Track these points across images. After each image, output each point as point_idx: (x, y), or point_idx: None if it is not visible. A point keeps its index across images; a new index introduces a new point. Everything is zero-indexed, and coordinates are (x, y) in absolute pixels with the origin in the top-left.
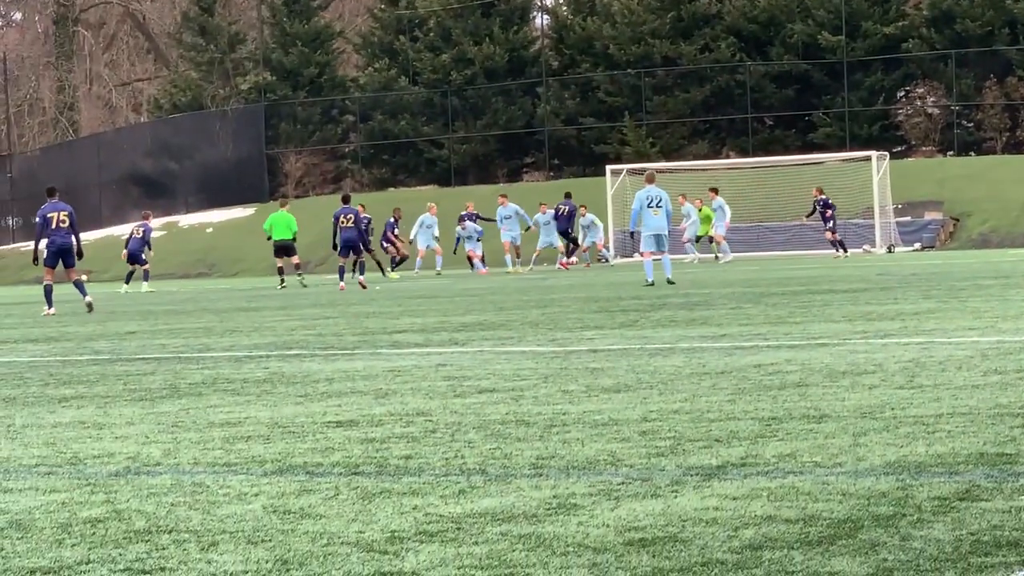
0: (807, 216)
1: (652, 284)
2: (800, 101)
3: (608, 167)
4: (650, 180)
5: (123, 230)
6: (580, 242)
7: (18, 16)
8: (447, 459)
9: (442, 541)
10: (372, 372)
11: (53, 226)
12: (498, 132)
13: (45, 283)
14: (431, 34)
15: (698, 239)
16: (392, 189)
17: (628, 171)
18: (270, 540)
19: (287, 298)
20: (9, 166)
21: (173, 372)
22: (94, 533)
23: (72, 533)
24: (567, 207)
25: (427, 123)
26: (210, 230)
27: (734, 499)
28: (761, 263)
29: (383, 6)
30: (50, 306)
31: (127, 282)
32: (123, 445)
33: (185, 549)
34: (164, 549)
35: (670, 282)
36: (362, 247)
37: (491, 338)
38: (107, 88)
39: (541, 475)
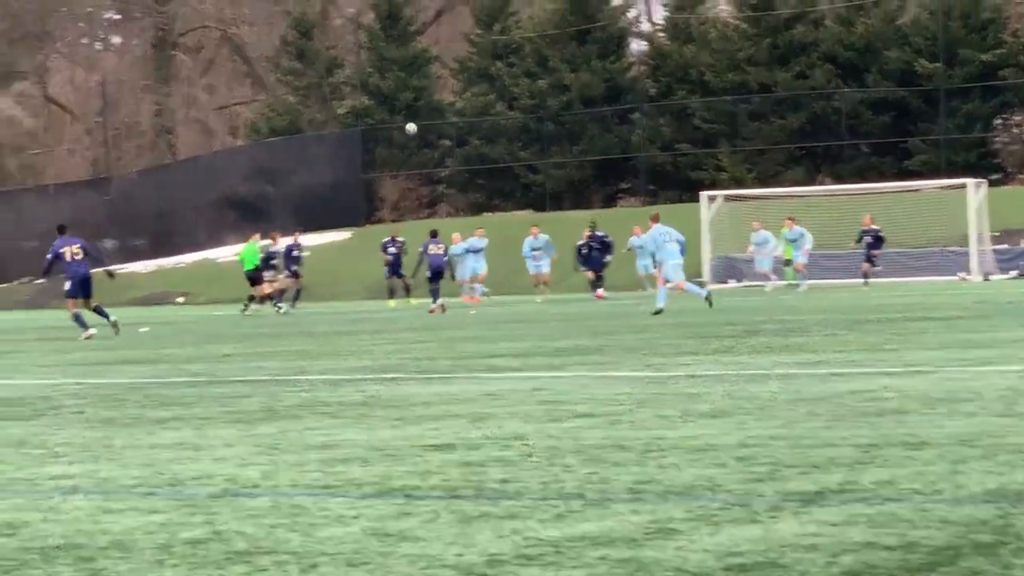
0: (855, 242)
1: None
2: (896, 128)
3: (703, 193)
4: (655, 220)
5: (219, 253)
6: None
7: (118, 40)
8: (545, 483)
9: (541, 565)
10: (469, 396)
11: (68, 259)
12: (594, 158)
13: (73, 312)
14: (528, 60)
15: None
16: (487, 214)
17: (724, 197)
18: (370, 563)
19: (383, 322)
20: (108, 189)
21: (270, 394)
22: (194, 554)
23: (173, 554)
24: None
25: (523, 148)
26: (306, 253)
27: (833, 525)
28: (856, 290)
29: (479, 31)
30: (86, 328)
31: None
32: (221, 467)
33: (285, 571)
34: (265, 571)
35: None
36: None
37: (587, 363)
38: (204, 112)
39: (639, 499)
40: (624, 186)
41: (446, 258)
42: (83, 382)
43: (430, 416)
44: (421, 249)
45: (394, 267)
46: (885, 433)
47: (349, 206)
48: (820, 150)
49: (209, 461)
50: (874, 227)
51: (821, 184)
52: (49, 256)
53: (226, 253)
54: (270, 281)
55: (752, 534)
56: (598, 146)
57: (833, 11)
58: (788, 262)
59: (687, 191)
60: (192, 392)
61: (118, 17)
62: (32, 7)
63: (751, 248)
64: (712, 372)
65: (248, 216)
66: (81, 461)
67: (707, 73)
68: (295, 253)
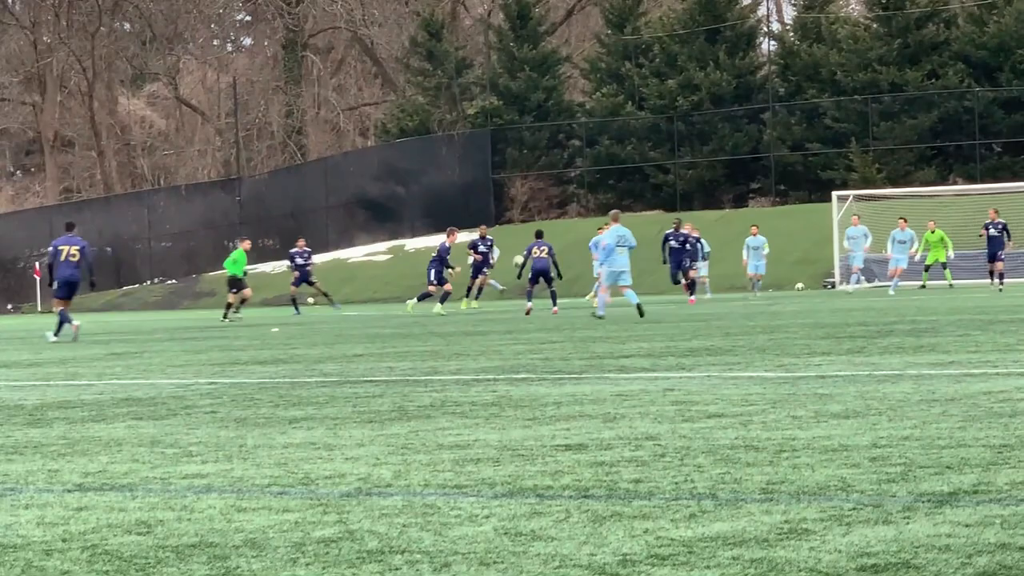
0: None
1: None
2: None
3: (834, 193)
4: (616, 219)
5: (349, 254)
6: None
7: (248, 41)
8: (677, 483)
9: (674, 564)
10: (600, 396)
11: (62, 258)
12: (724, 157)
13: (59, 311)
14: (657, 60)
15: (927, 268)
16: (482, 226)
17: (854, 197)
18: (502, 562)
19: (513, 322)
20: (238, 189)
21: (401, 395)
22: (327, 553)
23: (306, 552)
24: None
25: (653, 148)
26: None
27: (967, 526)
28: (988, 291)
29: (609, 31)
30: (62, 327)
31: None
32: (354, 466)
33: (418, 570)
34: (397, 570)
35: (640, 312)
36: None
37: (718, 363)
38: (334, 112)
39: (772, 500)
40: (755, 186)
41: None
42: (216, 382)
43: (561, 416)
44: (525, 252)
45: (480, 266)
46: (1019, 434)
47: (479, 207)
48: (951, 150)
49: (341, 460)
50: (999, 220)
51: (952, 184)
52: (51, 250)
53: (357, 253)
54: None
55: (885, 535)
56: (728, 146)
57: (965, 10)
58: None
59: (817, 191)
60: (324, 392)
61: (248, 18)
62: (163, 9)
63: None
64: (844, 372)
65: (378, 216)
66: (214, 460)
67: (837, 72)
68: (299, 261)
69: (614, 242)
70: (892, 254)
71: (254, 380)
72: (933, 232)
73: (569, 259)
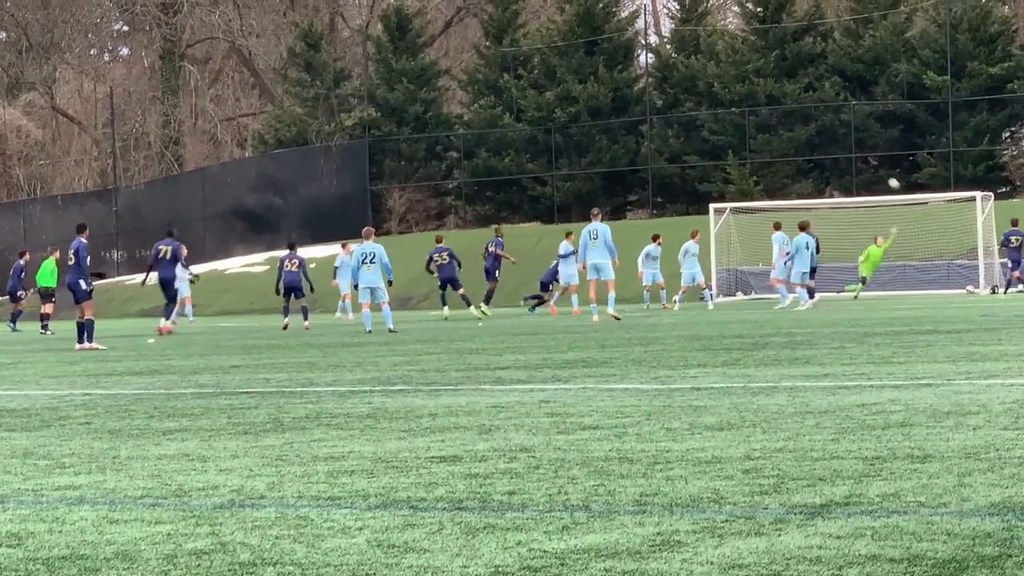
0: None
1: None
2: (905, 141)
3: (712, 205)
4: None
5: (227, 264)
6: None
7: (125, 51)
8: (551, 495)
9: None
10: (475, 408)
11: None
12: (602, 170)
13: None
14: (535, 72)
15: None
16: (495, 226)
17: (731, 210)
18: (375, 574)
19: (389, 335)
20: (114, 200)
21: (277, 406)
22: (199, 565)
23: (177, 564)
24: (494, 245)
25: (531, 160)
26: (313, 265)
27: (838, 538)
28: (865, 303)
29: (488, 43)
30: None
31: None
32: (227, 478)
33: None
34: None
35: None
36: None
37: (594, 375)
38: (212, 123)
39: (645, 512)
40: (632, 198)
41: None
42: (90, 393)
43: (437, 428)
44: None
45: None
46: (891, 446)
47: (357, 218)
48: (828, 163)
49: (215, 472)
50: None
51: (829, 197)
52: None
53: (234, 264)
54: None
55: (757, 546)
56: (606, 158)
57: (841, 24)
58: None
59: (695, 203)
60: (199, 404)
61: (126, 28)
62: (39, 18)
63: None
64: (719, 385)
65: (256, 227)
66: (87, 472)
67: (715, 84)
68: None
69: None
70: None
71: (129, 391)
72: (878, 246)
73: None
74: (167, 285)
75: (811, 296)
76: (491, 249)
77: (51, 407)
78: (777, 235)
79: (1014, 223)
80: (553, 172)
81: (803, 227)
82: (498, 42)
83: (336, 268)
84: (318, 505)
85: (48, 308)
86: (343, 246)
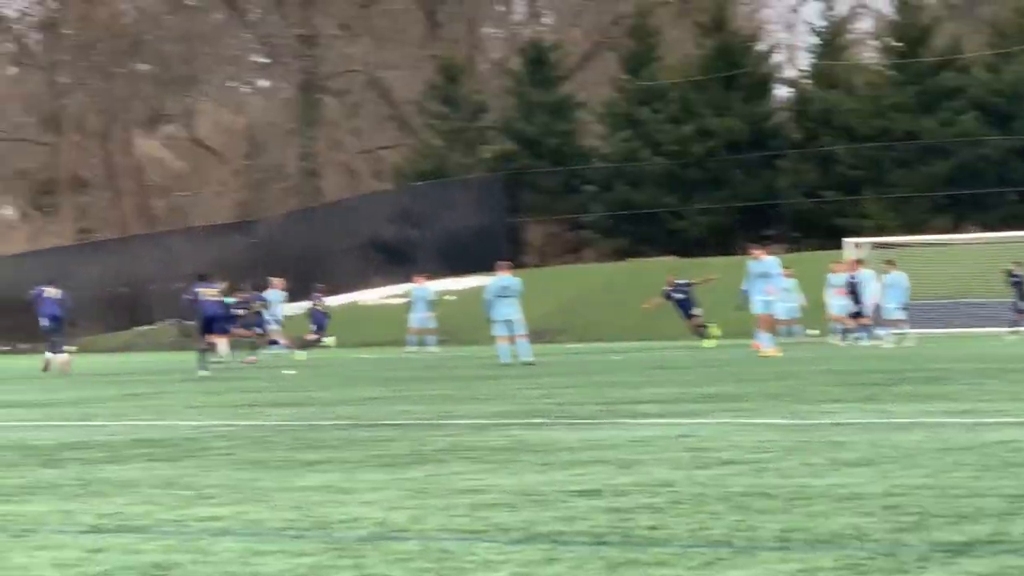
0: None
1: (509, 365)
2: None
3: (847, 240)
4: (502, 269)
5: (364, 296)
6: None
7: (264, 83)
8: (692, 530)
9: None
10: (615, 442)
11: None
12: (738, 204)
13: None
14: (673, 105)
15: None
16: (631, 259)
17: (870, 245)
18: None
19: (527, 367)
20: (254, 231)
21: (416, 438)
22: None
23: None
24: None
25: (668, 194)
26: (450, 297)
27: None
28: (1001, 339)
29: (625, 76)
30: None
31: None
32: (370, 510)
33: None
34: None
35: (531, 364)
36: None
37: (731, 410)
38: (350, 155)
39: (787, 548)
40: (768, 232)
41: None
42: (231, 424)
43: (576, 462)
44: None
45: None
46: None
47: (493, 251)
48: (966, 198)
49: (357, 504)
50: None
51: (967, 232)
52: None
53: (371, 296)
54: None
55: None
56: (742, 192)
57: (980, 57)
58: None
59: (831, 238)
60: (339, 435)
61: (265, 60)
62: (180, 50)
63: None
64: (857, 420)
65: (393, 259)
66: (230, 503)
67: (852, 119)
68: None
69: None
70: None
71: (270, 422)
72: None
73: (583, 305)
74: (215, 321)
75: (867, 334)
76: (675, 294)
77: (192, 437)
78: (865, 273)
79: None
80: (689, 206)
81: (890, 263)
82: (636, 75)
83: (411, 303)
84: (460, 538)
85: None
86: (417, 279)
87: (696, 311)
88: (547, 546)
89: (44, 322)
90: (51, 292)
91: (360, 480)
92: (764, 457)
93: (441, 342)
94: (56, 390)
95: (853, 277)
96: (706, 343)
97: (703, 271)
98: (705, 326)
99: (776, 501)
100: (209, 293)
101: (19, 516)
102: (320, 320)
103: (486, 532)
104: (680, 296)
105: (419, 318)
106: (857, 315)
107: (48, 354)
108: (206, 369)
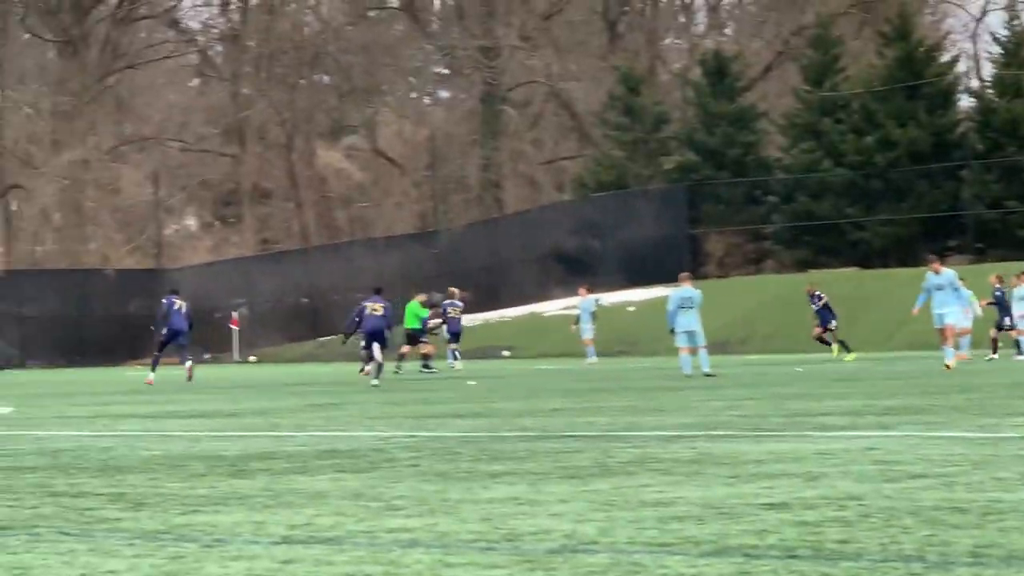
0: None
1: (690, 377)
2: None
3: None
4: (684, 280)
5: (545, 307)
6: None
7: (446, 95)
8: (884, 544)
9: None
10: (800, 454)
11: (368, 313)
12: (921, 215)
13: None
14: (855, 116)
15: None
16: (813, 270)
17: None
18: None
19: (709, 379)
20: (436, 242)
21: (602, 450)
22: None
23: None
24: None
25: (849, 205)
26: (632, 308)
27: None
28: None
29: (808, 87)
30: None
31: None
32: (558, 522)
33: None
34: None
35: (710, 375)
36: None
37: (917, 422)
38: (531, 166)
39: (982, 564)
40: (952, 243)
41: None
42: (415, 435)
43: (763, 474)
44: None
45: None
46: None
47: (675, 262)
48: None
49: (545, 516)
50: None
51: None
52: (357, 307)
53: (553, 307)
54: (425, 342)
55: None
56: (925, 203)
57: None
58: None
59: (1017, 249)
60: (524, 447)
61: (446, 72)
62: (362, 62)
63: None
64: None
65: (574, 270)
66: (419, 514)
67: None
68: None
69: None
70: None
71: (454, 433)
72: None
73: (764, 316)
74: (379, 337)
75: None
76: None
77: (377, 448)
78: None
79: None
80: (872, 217)
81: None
82: (818, 86)
83: (578, 315)
84: (650, 551)
85: (428, 349)
86: (581, 291)
87: (832, 324)
88: (739, 559)
89: (168, 335)
90: (180, 303)
91: (547, 492)
92: (953, 471)
93: (621, 353)
94: (240, 400)
95: (999, 290)
96: (848, 357)
97: (885, 283)
98: (828, 341)
99: (968, 516)
100: (375, 308)
101: (211, 526)
102: (452, 328)
103: (676, 545)
104: (817, 306)
105: (585, 329)
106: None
107: (188, 362)
108: (396, 373)
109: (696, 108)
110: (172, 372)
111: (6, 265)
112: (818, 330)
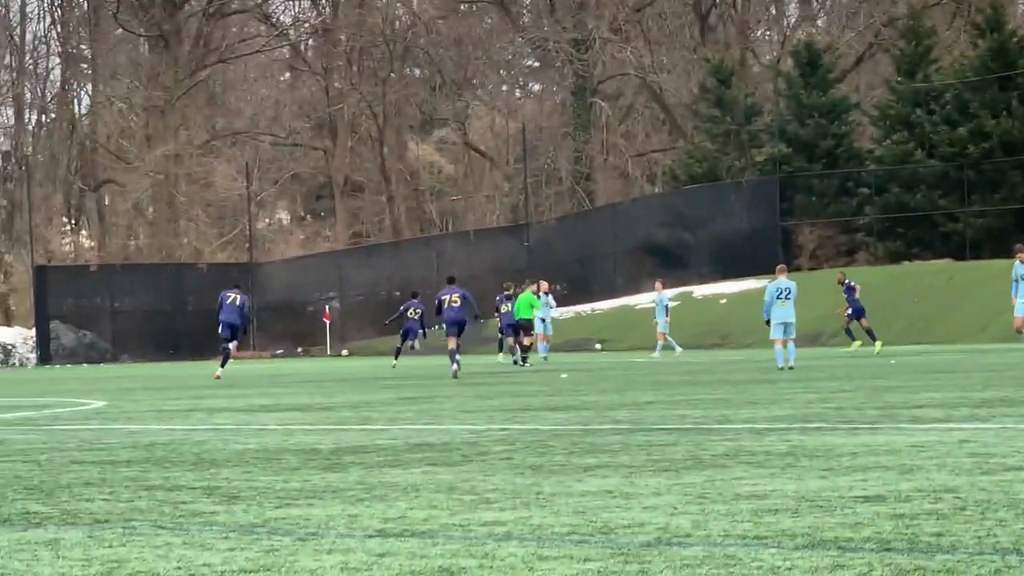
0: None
1: (783, 369)
2: None
3: None
4: (781, 272)
5: (637, 300)
6: None
7: (537, 87)
8: (979, 537)
9: None
10: (895, 447)
11: (447, 305)
12: (1015, 206)
13: (450, 348)
14: (947, 107)
15: None
16: (906, 263)
17: None
18: None
19: (802, 371)
20: (527, 235)
21: (695, 443)
22: None
23: None
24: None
25: (943, 196)
26: (724, 301)
27: None
28: None
29: (900, 79)
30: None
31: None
32: (652, 515)
33: None
34: None
35: (790, 368)
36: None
37: (1013, 414)
38: (622, 158)
39: None
40: None
41: None
42: (508, 428)
43: (857, 467)
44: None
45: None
46: None
47: (767, 254)
48: None
49: (639, 509)
50: (847, 280)
51: None
52: (436, 302)
53: (644, 300)
54: (531, 335)
55: None
56: (1019, 194)
57: None
58: None
59: None
60: (617, 439)
61: (537, 64)
62: (452, 55)
63: None
64: None
65: (666, 263)
66: (512, 508)
67: None
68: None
69: (773, 295)
70: None
71: (546, 426)
72: None
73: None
74: (460, 327)
75: None
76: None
77: (470, 442)
78: None
79: None
80: (965, 209)
81: None
82: (910, 77)
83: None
84: (744, 544)
85: (527, 340)
86: (657, 285)
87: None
88: (834, 552)
89: (221, 329)
90: (233, 296)
91: (640, 485)
92: None
93: (714, 346)
94: (333, 393)
95: None
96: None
97: (978, 274)
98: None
99: None
100: (453, 300)
101: (304, 520)
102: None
103: (770, 538)
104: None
105: (660, 323)
106: None
107: (231, 349)
108: (523, 362)
109: (788, 100)
110: (256, 366)
111: (99, 260)
112: (850, 320)
